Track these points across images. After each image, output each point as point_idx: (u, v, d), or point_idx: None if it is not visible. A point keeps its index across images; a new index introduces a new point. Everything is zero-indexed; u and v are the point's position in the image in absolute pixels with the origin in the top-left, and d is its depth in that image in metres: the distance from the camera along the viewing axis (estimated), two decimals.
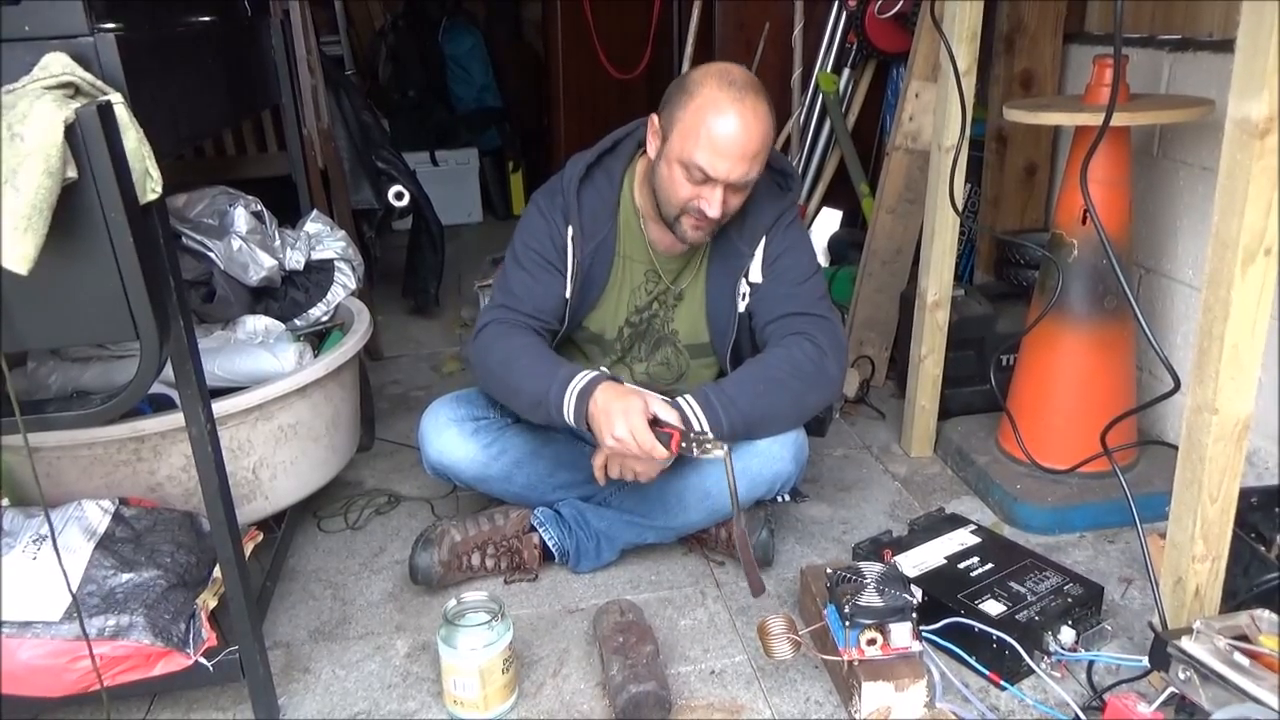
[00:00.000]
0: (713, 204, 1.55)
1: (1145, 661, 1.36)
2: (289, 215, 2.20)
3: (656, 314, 1.81)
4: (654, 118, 1.63)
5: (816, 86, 3.12)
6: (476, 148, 4.66)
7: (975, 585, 1.56)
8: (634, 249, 1.77)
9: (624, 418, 1.49)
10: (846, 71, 3.10)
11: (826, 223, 3.21)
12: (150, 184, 1.10)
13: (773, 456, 1.69)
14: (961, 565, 1.62)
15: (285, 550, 1.85)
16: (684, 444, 1.48)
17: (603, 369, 1.61)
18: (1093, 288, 1.88)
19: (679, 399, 1.58)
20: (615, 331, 1.82)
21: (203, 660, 1.37)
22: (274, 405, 1.70)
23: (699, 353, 1.83)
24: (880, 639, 1.37)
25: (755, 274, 1.72)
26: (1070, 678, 1.49)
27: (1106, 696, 1.38)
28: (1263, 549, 1.46)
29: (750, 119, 1.51)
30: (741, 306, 1.74)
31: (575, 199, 1.71)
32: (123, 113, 1.05)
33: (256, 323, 1.93)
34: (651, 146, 1.65)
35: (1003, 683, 1.46)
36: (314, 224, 2.15)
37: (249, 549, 1.54)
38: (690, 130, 1.53)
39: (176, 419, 1.52)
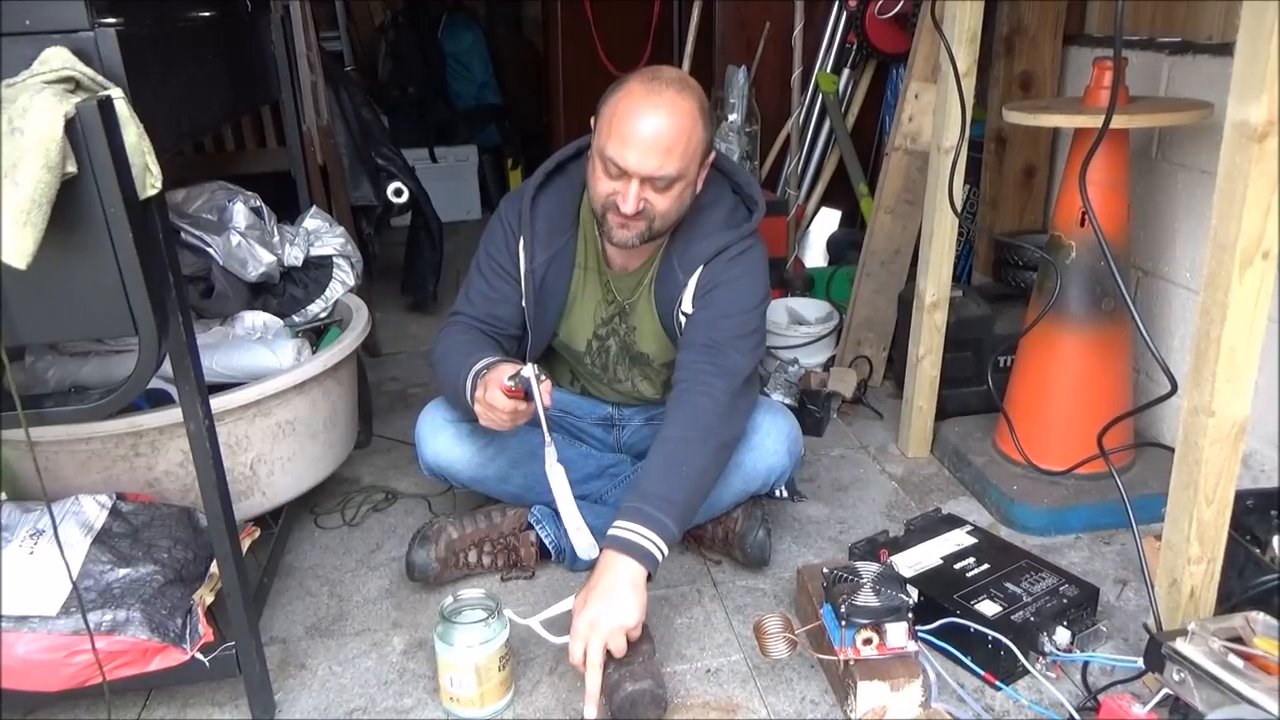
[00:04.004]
0: (626, 199, 1.50)
1: (1140, 663, 1.37)
2: (288, 211, 2.20)
3: (617, 330, 1.78)
4: (593, 118, 1.60)
5: (816, 86, 3.12)
6: (476, 144, 4.66)
7: (971, 586, 1.56)
8: (593, 260, 1.74)
9: (482, 389, 1.53)
10: (846, 72, 3.10)
11: (825, 222, 3.22)
12: (150, 179, 1.10)
13: (766, 450, 1.69)
14: (958, 566, 1.63)
15: (282, 546, 1.85)
16: (509, 383, 1.49)
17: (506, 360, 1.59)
18: (1090, 290, 1.88)
19: (616, 531, 1.44)
20: (584, 344, 1.80)
21: (199, 656, 1.37)
22: (272, 401, 1.70)
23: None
24: (876, 639, 1.37)
25: (687, 304, 1.66)
26: (1065, 678, 1.49)
27: (1101, 697, 1.39)
28: (1258, 551, 1.46)
29: (664, 112, 1.47)
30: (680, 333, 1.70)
31: (530, 207, 1.68)
32: (123, 108, 1.05)
33: (255, 319, 1.93)
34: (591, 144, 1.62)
35: (998, 683, 1.46)
36: (313, 220, 2.15)
37: (246, 545, 1.54)
38: (607, 122, 1.51)
39: (174, 414, 1.52)
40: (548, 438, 1.49)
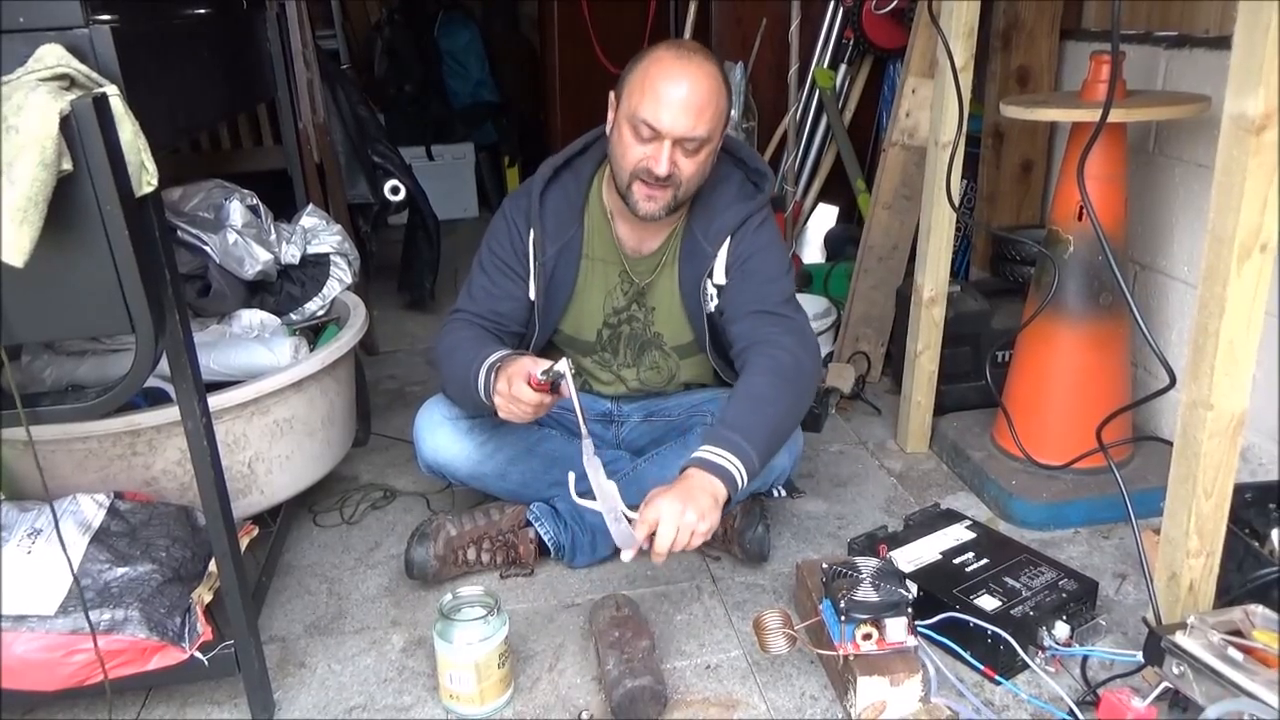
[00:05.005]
0: (660, 161, 1.55)
1: (1139, 656, 1.37)
2: (285, 209, 2.19)
3: (635, 316, 1.80)
4: (611, 94, 1.64)
5: (813, 82, 3.12)
6: (472, 142, 4.66)
7: (970, 580, 1.56)
8: (604, 250, 1.76)
9: (505, 383, 1.53)
10: (843, 67, 3.10)
11: (823, 218, 3.21)
12: (146, 177, 1.10)
13: None
14: (957, 560, 1.63)
15: (281, 545, 1.85)
16: (542, 377, 1.49)
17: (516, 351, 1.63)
18: (1088, 284, 1.88)
19: (700, 454, 1.46)
20: (594, 333, 1.81)
21: (198, 654, 1.37)
22: (269, 400, 1.70)
23: (686, 352, 1.83)
24: (876, 634, 1.37)
25: (719, 275, 1.71)
26: (1064, 672, 1.49)
27: (1100, 691, 1.39)
28: (1256, 545, 1.47)
29: (695, 74, 1.53)
30: (710, 307, 1.73)
31: (539, 202, 1.72)
32: (118, 105, 1.05)
33: (252, 317, 1.93)
34: (609, 121, 1.65)
35: (997, 677, 1.46)
36: (310, 218, 2.15)
37: (244, 543, 1.54)
38: (637, 88, 1.55)
39: (172, 413, 1.51)
40: (584, 430, 1.50)
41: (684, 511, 1.37)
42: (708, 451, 1.46)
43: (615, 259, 1.76)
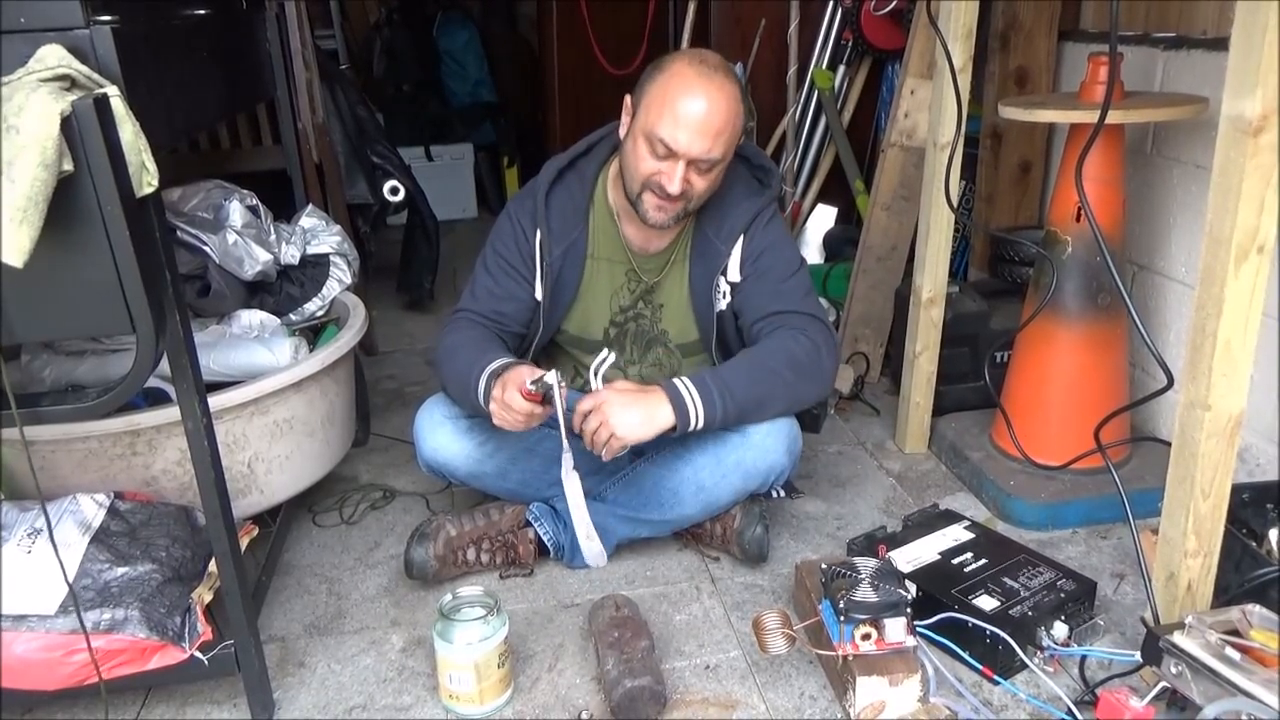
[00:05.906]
0: (673, 180, 1.55)
1: (1137, 656, 1.37)
2: (284, 210, 2.19)
3: (642, 314, 1.81)
4: (628, 98, 1.64)
5: (812, 83, 3.12)
6: (471, 142, 4.66)
7: (969, 581, 1.57)
8: (610, 250, 1.77)
9: (500, 389, 1.55)
10: (842, 68, 3.10)
11: (821, 219, 3.21)
12: (146, 177, 1.10)
13: (766, 449, 1.69)
14: (955, 561, 1.63)
15: (280, 545, 1.85)
16: (531, 387, 1.52)
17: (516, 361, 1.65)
18: (1087, 285, 1.88)
19: (675, 380, 1.58)
20: (600, 332, 1.82)
21: (198, 654, 1.37)
22: (269, 400, 1.70)
23: (691, 350, 1.84)
24: (875, 634, 1.38)
25: (733, 273, 1.72)
26: (1063, 672, 1.50)
27: (1099, 691, 1.39)
28: (1254, 545, 1.47)
29: (716, 96, 1.53)
30: (721, 305, 1.74)
31: (544, 202, 1.72)
32: (119, 105, 1.05)
33: (252, 317, 1.93)
34: (623, 126, 1.66)
35: (996, 677, 1.46)
36: (309, 218, 2.15)
37: (244, 543, 1.54)
38: (655, 103, 1.55)
39: (172, 413, 1.52)
40: (565, 444, 1.51)
41: (613, 413, 1.51)
42: (680, 381, 1.56)
43: (622, 258, 1.77)
